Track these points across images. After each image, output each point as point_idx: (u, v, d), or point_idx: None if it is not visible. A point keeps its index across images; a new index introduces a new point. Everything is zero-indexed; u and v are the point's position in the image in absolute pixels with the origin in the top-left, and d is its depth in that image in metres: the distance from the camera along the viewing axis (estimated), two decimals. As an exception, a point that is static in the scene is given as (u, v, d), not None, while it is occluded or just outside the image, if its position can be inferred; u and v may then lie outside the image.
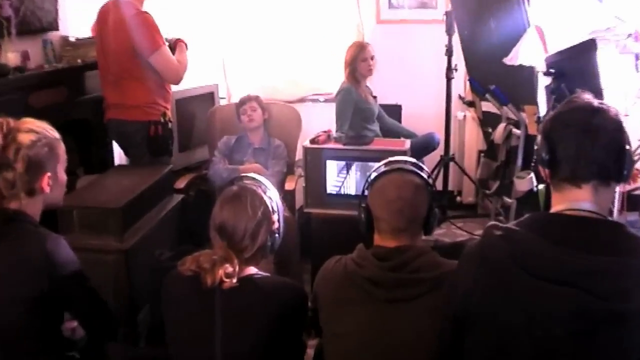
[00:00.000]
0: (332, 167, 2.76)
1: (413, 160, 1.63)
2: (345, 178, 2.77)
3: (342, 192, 2.77)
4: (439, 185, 3.73)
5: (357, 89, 3.46)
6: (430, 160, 3.67)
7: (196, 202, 3.13)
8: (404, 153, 2.63)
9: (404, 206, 1.44)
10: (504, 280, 1.10)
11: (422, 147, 3.49)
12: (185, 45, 3.03)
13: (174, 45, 2.94)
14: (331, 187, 2.77)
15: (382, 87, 3.90)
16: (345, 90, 3.44)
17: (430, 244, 1.55)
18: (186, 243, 2.81)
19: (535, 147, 1.22)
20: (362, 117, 3.49)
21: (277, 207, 1.57)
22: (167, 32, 2.89)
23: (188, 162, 3.56)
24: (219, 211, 1.51)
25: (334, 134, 2.90)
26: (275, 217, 1.55)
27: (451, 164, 3.85)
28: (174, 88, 3.08)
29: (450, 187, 3.98)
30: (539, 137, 1.21)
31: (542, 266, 1.07)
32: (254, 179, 1.61)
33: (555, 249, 1.07)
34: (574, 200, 1.15)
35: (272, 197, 1.56)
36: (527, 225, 1.15)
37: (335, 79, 3.79)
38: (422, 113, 4.03)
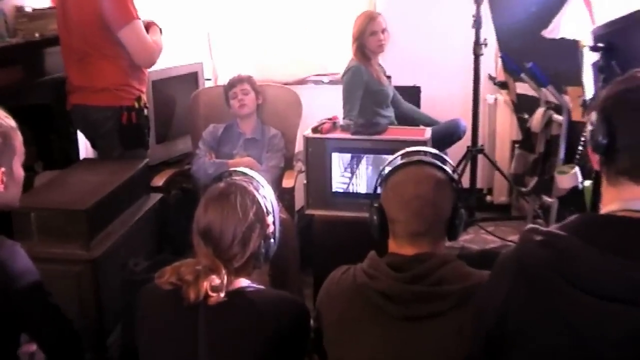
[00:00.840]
0: (339, 161, 2.75)
1: (434, 151, 1.63)
2: (354, 173, 2.76)
3: (351, 190, 2.76)
4: (465, 182, 3.72)
5: (368, 68, 3.46)
6: (455, 153, 3.67)
7: (177, 203, 3.13)
8: (423, 143, 2.62)
9: (423, 206, 1.43)
10: (546, 296, 1.09)
11: (446, 136, 3.49)
12: (160, 29, 3.02)
13: (146, 28, 2.91)
14: (337, 185, 2.77)
15: (397, 66, 3.90)
16: (354, 69, 3.43)
17: (455, 251, 1.55)
18: (165, 251, 2.81)
19: (590, 128, 1.18)
20: (374, 101, 3.48)
21: (273, 207, 1.57)
22: (139, 9, 2.87)
23: (167, 155, 3.56)
24: (204, 213, 1.50)
25: (340, 121, 2.89)
26: (270, 219, 1.54)
27: (480, 156, 3.85)
28: (150, 68, 3.07)
29: (478, 184, 3.98)
30: (592, 116, 1.17)
31: (592, 279, 1.06)
32: (245, 174, 1.61)
33: (608, 259, 1.06)
34: (632, 198, 1.13)
35: (267, 196, 1.56)
36: (573, 228, 1.13)
37: (342, 56, 3.79)
38: (445, 96, 4.02)
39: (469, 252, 2.82)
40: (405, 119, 3.62)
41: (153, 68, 3.12)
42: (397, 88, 3.72)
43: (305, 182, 2.81)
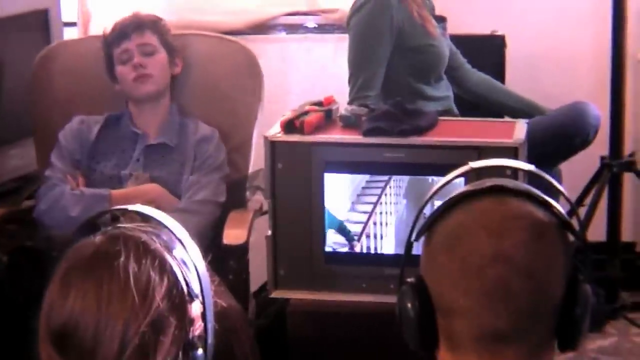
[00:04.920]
0: (340, 189, 2.79)
1: (531, 168, 1.64)
2: (369, 216, 2.79)
3: (363, 251, 2.79)
4: (596, 231, 3.76)
5: (403, 1, 3.48)
6: (578, 170, 3.71)
7: (8, 277, 3.12)
8: (512, 153, 2.64)
9: (509, 278, 1.44)
10: None
11: (558, 138, 3.51)
12: None
13: None
14: (336, 240, 2.80)
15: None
16: (375, 2, 3.46)
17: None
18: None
19: None
20: (414, 68, 3.51)
21: (202, 286, 1.57)
22: None
23: (-13, 180, 3.55)
24: (61, 297, 1.50)
25: (342, 108, 2.91)
26: (195, 309, 1.55)
27: (628, 177, 3.88)
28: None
29: (625, 235, 4.01)
30: None
31: None
32: (145, 218, 1.62)
33: None
34: None
35: (188, 263, 1.57)
36: None
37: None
38: (556, 56, 4.07)
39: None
40: (478, 104, 3.67)
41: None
42: (461, 41, 3.77)
43: (269, 233, 2.83)
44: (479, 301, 1.46)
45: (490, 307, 1.46)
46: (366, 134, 2.77)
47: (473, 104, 3.67)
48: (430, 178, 2.67)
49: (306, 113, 2.82)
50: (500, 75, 3.92)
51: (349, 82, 3.46)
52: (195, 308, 1.57)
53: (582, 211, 3.59)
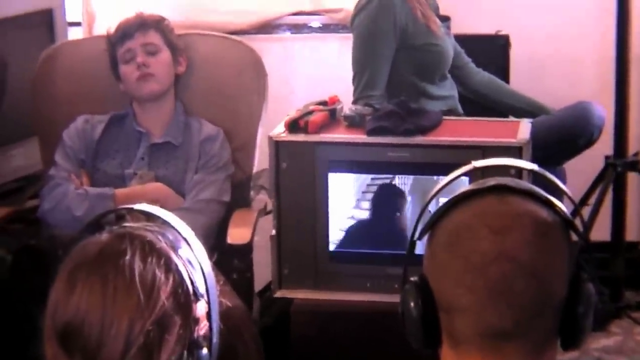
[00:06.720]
0: (343, 189, 2.79)
1: (534, 167, 1.64)
2: (372, 215, 2.79)
3: (368, 249, 2.80)
4: (601, 230, 3.72)
5: (407, 0, 3.49)
6: (582, 170, 3.71)
7: (11, 277, 3.12)
8: (515, 152, 2.65)
9: (512, 276, 1.44)
10: None
11: (562, 137, 3.50)
12: None
13: None
14: (340, 238, 2.81)
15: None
16: (378, 2, 3.46)
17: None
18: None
19: None
20: (418, 68, 3.52)
21: (207, 285, 1.57)
22: None
23: (-8, 179, 3.55)
24: (67, 295, 1.50)
25: (346, 107, 2.92)
26: (201, 308, 1.55)
27: (632, 176, 3.88)
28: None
29: (630, 235, 3.99)
30: None
31: None
32: (149, 216, 1.63)
33: None
34: None
35: (195, 262, 1.58)
36: None
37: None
38: (558, 56, 4.06)
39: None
40: (482, 103, 3.67)
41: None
42: (465, 41, 3.77)
43: (273, 233, 2.84)
44: (481, 299, 1.46)
45: (493, 305, 1.46)
46: (370, 133, 2.78)
47: (477, 104, 3.66)
48: (435, 178, 2.66)
49: (310, 112, 2.83)
50: (504, 75, 3.92)
51: (353, 81, 3.46)
52: (201, 307, 1.57)
53: (587, 211, 3.59)
